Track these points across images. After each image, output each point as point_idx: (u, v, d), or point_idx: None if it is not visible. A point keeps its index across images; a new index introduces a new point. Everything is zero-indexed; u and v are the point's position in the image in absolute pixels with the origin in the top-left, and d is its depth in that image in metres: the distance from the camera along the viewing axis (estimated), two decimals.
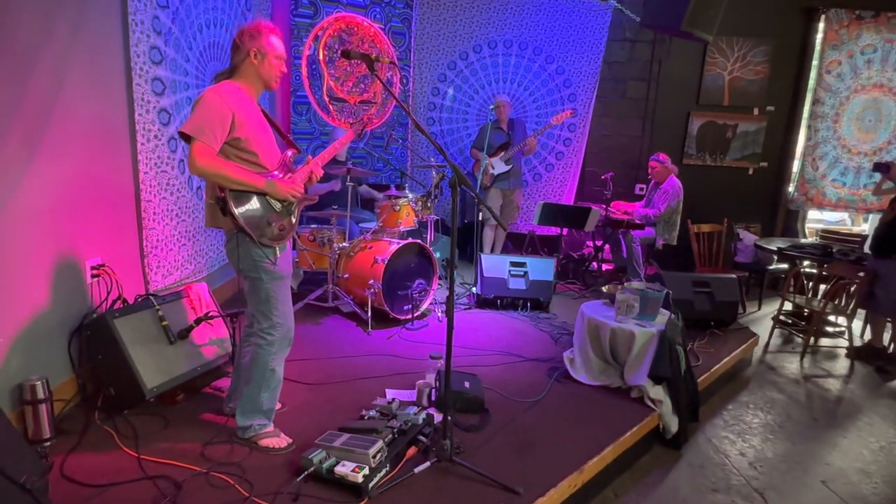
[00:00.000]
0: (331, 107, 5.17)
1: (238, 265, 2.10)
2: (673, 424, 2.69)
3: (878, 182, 4.12)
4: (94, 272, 2.51)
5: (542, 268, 4.24)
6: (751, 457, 2.70)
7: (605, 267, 5.29)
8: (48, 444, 2.10)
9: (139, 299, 2.60)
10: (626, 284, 3.21)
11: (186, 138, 1.93)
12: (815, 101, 5.42)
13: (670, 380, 2.71)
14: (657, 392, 2.71)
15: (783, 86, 5.49)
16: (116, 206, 2.70)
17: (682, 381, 2.74)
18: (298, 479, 1.94)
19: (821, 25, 5.30)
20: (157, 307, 2.52)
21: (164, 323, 2.51)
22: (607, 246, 5.18)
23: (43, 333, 2.27)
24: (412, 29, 5.56)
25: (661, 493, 2.39)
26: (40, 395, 2.08)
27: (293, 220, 2.17)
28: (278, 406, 2.37)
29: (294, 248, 4.09)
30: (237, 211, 1.97)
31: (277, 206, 2.09)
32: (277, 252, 2.10)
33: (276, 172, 2.12)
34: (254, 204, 2.02)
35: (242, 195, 2.00)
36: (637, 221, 4.82)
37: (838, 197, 5.62)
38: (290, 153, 2.20)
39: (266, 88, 2.14)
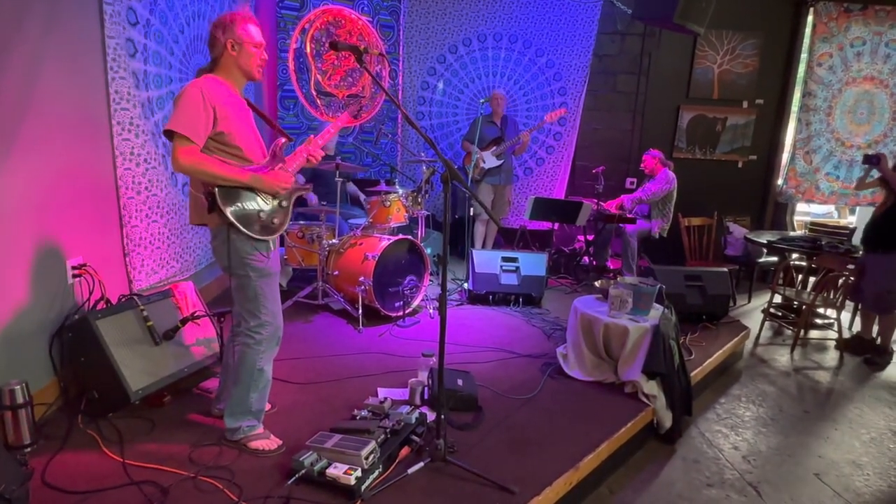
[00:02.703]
0: (318, 101, 5.09)
1: (225, 262, 2.05)
2: (667, 419, 2.68)
3: (862, 176, 4.13)
4: (76, 272, 2.44)
5: (533, 263, 4.22)
6: (744, 450, 2.70)
7: (595, 262, 5.28)
8: (28, 450, 2.03)
9: (123, 299, 2.54)
10: (618, 279, 3.19)
11: (170, 135, 1.88)
12: (806, 94, 5.44)
13: (664, 375, 2.70)
14: (651, 387, 2.70)
15: (772, 79, 5.50)
16: (98, 204, 2.62)
17: (675, 375, 2.73)
18: (289, 483, 1.90)
19: (810, 19, 5.31)
20: (142, 307, 2.46)
21: (149, 323, 2.45)
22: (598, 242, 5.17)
23: (22, 336, 2.20)
24: (401, 22, 5.49)
25: (656, 489, 2.38)
26: (20, 399, 2.01)
27: (287, 212, 2.11)
28: (268, 407, 2.33)
29: (282, 244, 4.03)
30: (227, 208, 1.91)
31: (268, 198, 2.04)
32: (271, 245, 2.06)
33: (263, 165, 2.06)
34: (244, 197, 1.97)
35: (232, 190, 1.94)
36: (628, 208, 4.82)
37: (831, 190, 5.66)
38: (281, 142, 2.13)
39: (249, 79, 2.08)
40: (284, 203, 2.10)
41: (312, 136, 2.22)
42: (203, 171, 1.89)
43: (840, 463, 2.64)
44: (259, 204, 2.01)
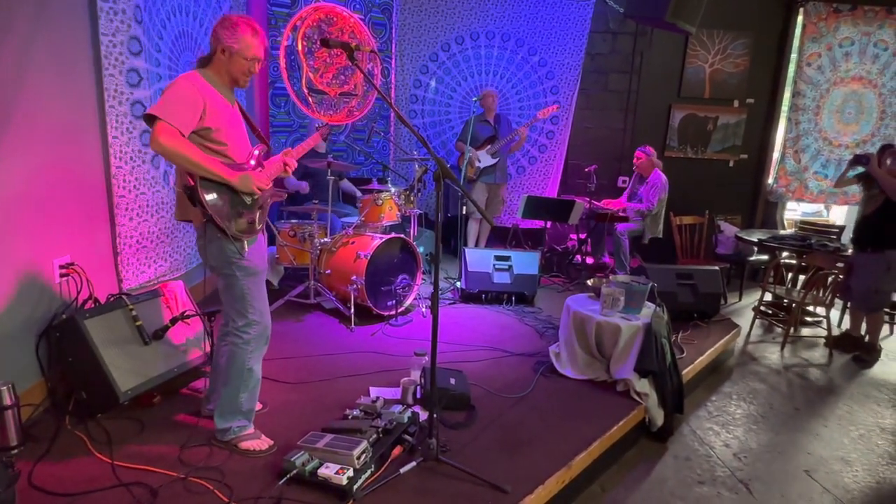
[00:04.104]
0: (310, 99, 5.07)
1: (210, 262, 2.04)
2: (658, 417, 2.69)
3: (842, 173, 4.17)
4: (63, 271, 2.40)
5: (526, 261, 4.23)
6: (735, 448, 2.71)
7: (588, 260, 5.30)
8: (15, 452, 2.01)
9: (111, 299, 2.51)
10: (611, 277, 3.20)
11: (150, 121, 1.83)
12: (795, 94, 5.48)
13: (656, 373, 2.71)
14: (643, 385, 2.71)
15: (763, 78, 5.53)
16: (86, 203, 2.59)
17: (667, 373, 2.74)
18: (280, 483, 1.88)
19: (800, 18, 5.35)
20: (131, 307, 2.43)
21: (138, 323, 2.42)
22: (592, 240, 5.19)
23: (8, 336, 2.17)
24: (393, 20, 5.46)
25: (648, 487, 2.38)
26: (6, 401, 1.98)
27: (262, 214, 2.11)
28: (258, 406, 2.31)
29: (274, 243, 4.00)
30: (206, 200, 1.89)
31: (248, 199, 2.03)
32: (246, 246, 2.03)
33: (247, 165, 2.06)
34: (223, 195, 1.95)
35: (211, 185, 1.92)
36: (629, 216, 4.83)
37: (820, 189, 5.71)
38: (259, 149, 2.14)
39: (234, 85, 2.07)
40: (260, 205, 2.09)
41: (289, 148, 2.24)
42: (181, 155, 1.84)
43: (829, 460, 2.66)
44: (236, 202, 1.99)
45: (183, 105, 1.86)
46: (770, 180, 5.74)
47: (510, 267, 4.18)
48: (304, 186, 4.36)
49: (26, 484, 1.88)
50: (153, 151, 2.05)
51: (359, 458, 1.92)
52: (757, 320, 4.30)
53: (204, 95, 1.91)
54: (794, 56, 5.44)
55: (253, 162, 2.09)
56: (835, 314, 4.40)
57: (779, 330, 4.29)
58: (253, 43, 1.98)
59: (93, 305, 2.44)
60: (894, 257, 3.65)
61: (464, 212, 4.93)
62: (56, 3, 2.31)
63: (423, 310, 3.89)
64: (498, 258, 4.19)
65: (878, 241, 3.69)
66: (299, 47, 4.91)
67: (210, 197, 1.91)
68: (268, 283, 3.55)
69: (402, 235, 3.85)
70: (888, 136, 5.51)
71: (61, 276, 2.41)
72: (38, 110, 2.24)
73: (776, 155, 5.70)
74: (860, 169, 3.84)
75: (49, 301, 2.37)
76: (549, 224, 5.24)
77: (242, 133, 2.11)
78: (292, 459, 1.91)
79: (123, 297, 2.48)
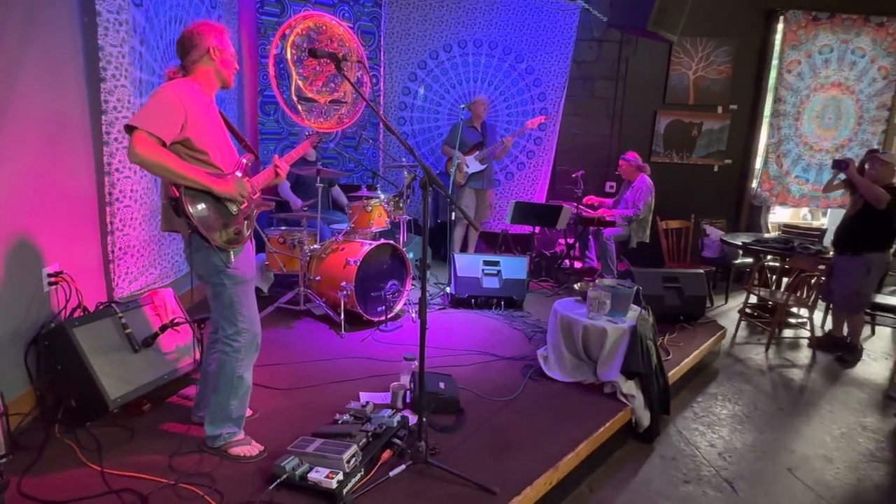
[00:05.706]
0: (299, 107, 5.09)
1: (198, 271, 2.05)
2: (645, 418, 2.73)
3: (829, 179, 4.27)
4: (52, 280, 2.41)
5: (515, 266, 4.27)
6: (720, 447, 2.76)
7: (576, 264, 5.36)
8: (4, 461, 1.99)
9: (100, 307, 2.51)
10: (597, 281, 3.25)
11: (129, 130, 1.84)
12: (777, 100, 5.60)
13: (642, 374, 2.76)
14: (629, 387, 2.75)
15: (745, 85, 5.65)
16: (76, 212, 2.59)
17: (653, 375, 2.78)
18: (270, 488, 1.90)
19: (780, 26, 5.47)
20: (120, 314, 2.43)
21: (128, 331, 2.42)
22: (578, 244, 5.25)
23: None
24: (382, 28, 5.52)
25: (635, 487, 2.42)
26: None
27: (249, 223, 2.12)
28: (249, 413, 2.32)
29: (263, 250, 4.01)
30: (191, 211, 1.90)
31: (234, 208, 2.04)
32: (232, 256, 2.04)
33: (236, 173, 2.08)
34: (207, 205, 1.96)
35: (197, 196, 1.94)
36: (617, 221, 4.89)
37: (802, 193, 5.83)
38: (246, 158, 2.16)
39: (223, 87, 2.10)
40: (247, 215, 2.10)
41: (276, 156, 2.27)
42: (160, 165, 1.83)
43: (812, 458, 2.72)
44: (222, 212, 2.00)
45: (164, 114, 1.85)
46: (754, 185, 5.84)
47: (499, 272, 4.22)
48: (298, 203, 4.38)
49: (16, 493, 1.88)
50: (130, 163, 2.03)
51: (348, 461, 1.94)
52: (742, 322, 4.37)
53: (187, 105, 1.90)
54: (775, 63, 5.56)
55: (239, 173, 2.10)
56: (818, 315, 4.48)
57: (764, 331, 4.37)
58: (230, 41, 2.08)
59: (82, 314, 2.44)
60: (874, 260, 3.74)
61: (453, 217, 4.97)
62: (46, 15, 2.33)
63: (413, 315, 3.91)
64: (487, 263, 4.23)
65: (858, 244, 3.77)
66: (288, 55, 4.95)
67: (195, 208, 1.92)
68: (257, 289, 3.57)
69: (392, 241, 3.88)
70: (865, 141, 5.64)
71: (50, 284, 2.41)
72: (27, 119, 2.25)
73: (759, 160, 5.81)
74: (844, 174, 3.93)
75: (38, 310, 2.37)
76: (537, 229, 5.29)
77: (226, 140, 2.12)
78: (282, 464, 1.93)
79: (113, 304, 2.48)
